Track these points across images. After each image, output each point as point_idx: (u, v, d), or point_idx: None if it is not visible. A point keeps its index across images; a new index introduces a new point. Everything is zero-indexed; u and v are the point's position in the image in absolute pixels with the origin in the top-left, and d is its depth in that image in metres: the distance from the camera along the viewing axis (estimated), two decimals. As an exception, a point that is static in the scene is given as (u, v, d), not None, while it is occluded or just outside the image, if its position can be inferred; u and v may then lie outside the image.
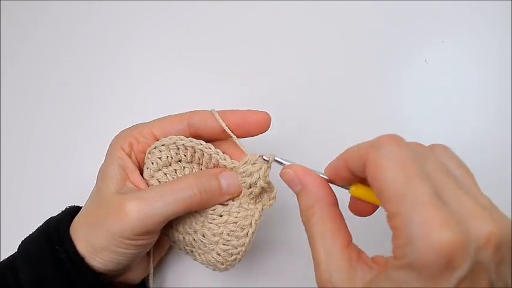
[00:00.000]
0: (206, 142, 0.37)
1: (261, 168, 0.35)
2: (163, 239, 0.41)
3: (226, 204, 0.37)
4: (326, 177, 0.32)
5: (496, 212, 0.25)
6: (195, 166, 0.38)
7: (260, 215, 0.36)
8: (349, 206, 0.33)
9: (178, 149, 0.37)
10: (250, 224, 0.36)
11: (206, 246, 0.37)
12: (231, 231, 0.36)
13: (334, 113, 0.50)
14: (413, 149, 0.26)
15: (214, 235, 0.36)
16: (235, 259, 0.37)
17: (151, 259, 0.41)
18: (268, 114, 0.36)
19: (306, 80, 0.51)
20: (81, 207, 0.38)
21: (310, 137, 0.49)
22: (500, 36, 0.49)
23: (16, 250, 0.37)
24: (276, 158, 0.34)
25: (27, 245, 0.37)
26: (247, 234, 0.36)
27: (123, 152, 0.37)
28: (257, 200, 0.36)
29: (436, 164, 0.26)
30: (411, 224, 0.23)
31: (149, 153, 0.37)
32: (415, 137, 0.48)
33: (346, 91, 0.50)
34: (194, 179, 0.35)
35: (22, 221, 0.50)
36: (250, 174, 0.35)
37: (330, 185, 0.31)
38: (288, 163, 0.33)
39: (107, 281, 0.37)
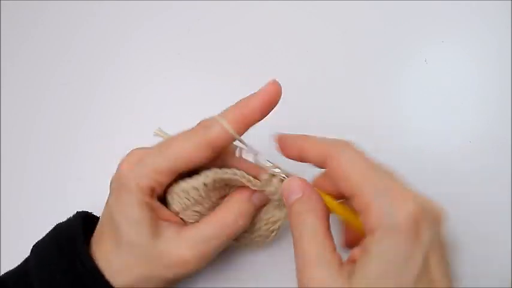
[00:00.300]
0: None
1: (276, 187, 0.36)
2: None
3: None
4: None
5: None
6: (226, 188, 0.38)
7: (285, 218, 0.38)
8: None
9: (214, 181, 0.35)
10: (278, 227, 0.38)
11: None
12: (260, 235, 0.38)
13: (334, 113, 0.50)
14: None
15: (244, 238, 0.39)
16: (258, 247, 0.40)
17: None
18: (276, 82, 0.34)
19: (306, 80, 0.51)
20: (90, 213, 0.38)
21: (310, 137, 0.49)
22: (500, 36, 0.49)
23: (27, 258, 0.36)
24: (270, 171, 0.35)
25: (42, 259, 0.35)
26: (274, 235, 0.39)
27: (146, 196, 0.33)
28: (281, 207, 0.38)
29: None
30: (383, 198, 0.27)
31: (183, 191, 0.35)
32: (415, 137, 0.49)
33: (346, 91, 0.50)
34: (238, 210, 0.36)
35: (22, 221, 0.50)
36: (273, 193, 0.36)
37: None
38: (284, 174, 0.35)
39: None
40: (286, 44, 0.53)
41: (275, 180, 0.36)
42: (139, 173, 0.33)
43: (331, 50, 0.52)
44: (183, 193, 0.35)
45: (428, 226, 0.26)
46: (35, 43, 0.58)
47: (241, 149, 0.36)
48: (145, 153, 0.34)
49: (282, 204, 0.37)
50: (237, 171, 0.36)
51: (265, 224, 0.38)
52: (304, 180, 0.34)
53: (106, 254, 0.34)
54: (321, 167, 0.33)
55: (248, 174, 0.36)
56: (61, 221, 0.37)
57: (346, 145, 0.31)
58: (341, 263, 0.29)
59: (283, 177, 0.35)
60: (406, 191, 0.28)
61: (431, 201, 0.28)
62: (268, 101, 0.34)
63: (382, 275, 0.26)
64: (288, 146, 0.35)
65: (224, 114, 0.33)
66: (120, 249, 0.33)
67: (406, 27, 0.51)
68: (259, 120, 0.34)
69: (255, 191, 0.36)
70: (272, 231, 0.38)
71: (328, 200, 0.33)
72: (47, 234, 0.37)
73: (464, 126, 0.47)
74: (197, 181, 0.34)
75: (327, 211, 0.32)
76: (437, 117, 0.48)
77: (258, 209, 0.38)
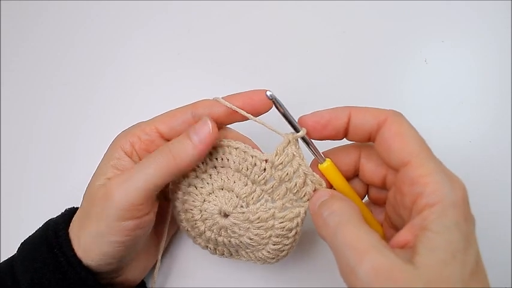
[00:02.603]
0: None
1: (294, 154, 0.33)
2: (170, 230, 0.42)
3: (268, 209, 0.35)
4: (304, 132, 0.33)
5: None
6: (230, 170, 0.36)
7: (305, 212, 0.35)
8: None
9: (211, 154, 0.36)
10: (297, 224, 0.35)
11: (254, 247, 0.37)
12: (279, 234, 0.35)
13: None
14: None
15: (262, 239, 0.36)
16: (286, 254, 0.37)
17: (160, 256, 0.41)
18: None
19: (306, 80, 0.51)
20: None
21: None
22: (500, 36, 0.49)
23: (15, 252, 0.37)
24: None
25: (26, 247, 0.37)
26: (296, 233, 0.36)
27: (123, 152, 0.36)
28: (299, 195, 0.35)
29: None
30: (442, 172, 0.27)
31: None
32: (415, 137, 0.48)
33: (346, 91, 0.50)
34: (166, 144, 0.35)
35: (22, 222, 0.50)
36: (289, 164, 0.34)
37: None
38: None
39: (105, 281, 0.37)
40: (287, 44, 0.53)
41: (291, 149, 0.33)
42: (125, 132, 0.37)
43: (331, 50, 0.52)
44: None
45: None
46: (35, 43, 0.58)
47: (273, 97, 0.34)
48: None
49: (299, 196, 0.35)
50: (239, 142, 0.35)
51: (281, 222, 0.35)
52: (330, 189, 0.34)
53: (75, 221, 0.36)
54: (366, 140, 0.32)
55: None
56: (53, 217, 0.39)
57: (401, 114, 0.31)
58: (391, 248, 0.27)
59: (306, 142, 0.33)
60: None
61: None
62: (257, 95, 0.35)
63: (450, 249, 0.25)
64: (333, 119, 0.32)
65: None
66: (82, 207, 0.36)
67: (406, 27, 0.51)
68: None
69: (194, 125, 0.34)
70: (290, 230, 0.35)
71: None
72: (37, 229, 0.38)
73: (464, 126, 0.47)
74: None
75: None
76: (437, 117, 0.48)
77: (200, 148, 0.34)
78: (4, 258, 0.37)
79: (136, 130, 0.37)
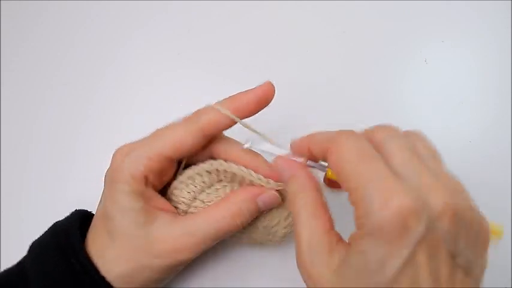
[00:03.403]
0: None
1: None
2: None
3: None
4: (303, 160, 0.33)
5: (459, 190, 0.27)
6: (236, 185, 0.37)
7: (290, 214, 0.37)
8: (324, 180, 0.37)
9: (218, 171, 0.36)
10: (288, 226, 0.37)
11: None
12: (275, 236, 0.38)
13: (334, 113, 0.50)
14: (372, 135, 0.28)
15: (255, 234, 0.38)
16: (279, 243, 0.39)
17: None
18: (271, 83, 0.34)
19: (306, 80, 0.51)
20: (88, 211, 0.38)
21: (310, 137, 0.49)
22: (500, 36, 0.49)
23: (25, 255, 0.36)
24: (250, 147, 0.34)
25: (38, 254, 0.35)
26: (284, 232, 0.38)
27: (138, 184, 0.33)
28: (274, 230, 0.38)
29: (400, 143, 0.27)
30: (369, 194, 0.25)
31: (189, 178, 0.36)
32: (415, 137, 0.48)
33: (346, 91, 0.50)
34: (237, 210, 0.34)
35: (22, 222, 0.50)
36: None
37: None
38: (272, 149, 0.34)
39: None
40: (286, 44, 0.53)
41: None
42: (131, 162, 0.33)
43: (331, 50, 0.52)
44: (190, 180, 0.36)
45: (418, 221, 0.23)
46: (35, 43, 0.58)
47: (250, 140, 0.34)
48: (137, 143, 0.35)
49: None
50: (244, 168, 0.35)
51: (284, 228, 0.37)
52: (289, 159, 0.33)
53: (101, 247, 0.34)
54: None
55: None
56: (59, 219, 0.38)
57: (345, 136, 0.28)
58: (335, 242, 0.28)
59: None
60: (398, 182, 0.24)
61: (438, 190, 0.25)
62: (262, 98, 0.34)
63: (359, 273, 0.25)
64: (300, 150, 0.33)
65: (219, 103, 0.34)
66: (113, 240, 0.34)
67: (406, 27, 0.51)
68: (249, 116, 0.35)
69: (263, 192, 0.35)
70: (285, 235, 0.38)
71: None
72: (45, 233, 0.37)
73: (464, 126, 0.47)
74: (201, 168, 0.35)
75: (319, 187, 0.31)
76: (437, 117, 0.48)
77: (264, 211, 0.36)
78: (4, 258, 0.37)
79: (144, 160, 0.34)
